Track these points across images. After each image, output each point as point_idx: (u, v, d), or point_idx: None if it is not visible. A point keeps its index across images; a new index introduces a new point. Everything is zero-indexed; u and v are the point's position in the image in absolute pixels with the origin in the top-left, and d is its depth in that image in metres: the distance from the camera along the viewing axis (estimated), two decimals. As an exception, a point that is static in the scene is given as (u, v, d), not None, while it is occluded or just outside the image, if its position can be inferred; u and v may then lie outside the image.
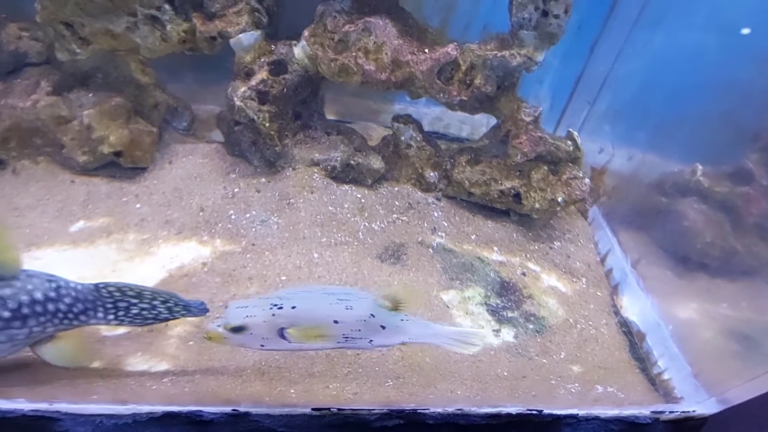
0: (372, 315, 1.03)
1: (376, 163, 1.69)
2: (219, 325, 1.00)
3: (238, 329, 0.99)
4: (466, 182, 1.63)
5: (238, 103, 1.54)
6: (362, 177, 1.71)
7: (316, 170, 1.68)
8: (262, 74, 1.57)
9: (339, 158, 1.68)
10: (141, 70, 1.76)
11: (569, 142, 1.59)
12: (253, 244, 1.40)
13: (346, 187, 1.68)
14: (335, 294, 1.05)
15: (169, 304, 1.05)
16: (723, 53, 1.84)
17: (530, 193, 1.56)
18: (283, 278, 1.28)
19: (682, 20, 1.89)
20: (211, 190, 1.60)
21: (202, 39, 1.56)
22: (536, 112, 1.53)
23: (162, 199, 1.56)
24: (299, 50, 1.61)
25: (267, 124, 1.59)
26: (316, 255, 1.37)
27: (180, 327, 1.16)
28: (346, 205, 1.59)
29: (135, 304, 1.03)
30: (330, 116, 1.99)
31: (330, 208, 1.56)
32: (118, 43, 1.52)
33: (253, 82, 1.55)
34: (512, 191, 1.59)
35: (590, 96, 1.98)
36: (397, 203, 1.67)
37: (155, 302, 1.04)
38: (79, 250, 1.34)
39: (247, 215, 1.51)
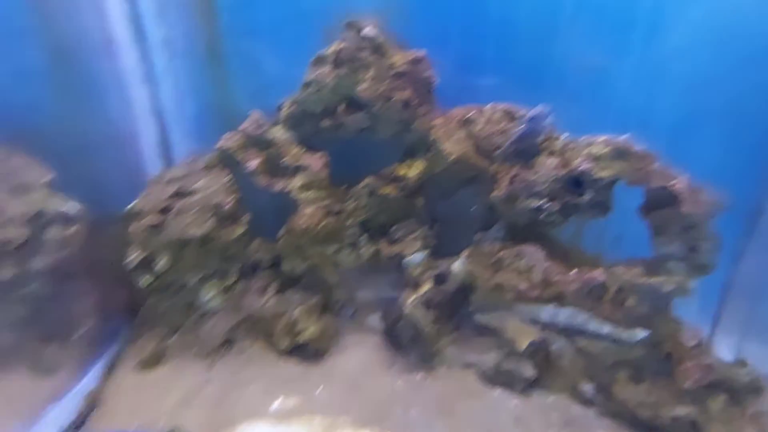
0: None
1: (528, 371, 1.78)
2: None
3: None
4: (630, 402, 1.59)
5: (407, 309, 1.88)
6: (513, 382, 1.80)
7: (470, 372, 1.84)
8: (428, 285, 1.94)
9: (491, 363, 1.83)
10: (331, 272, 2.30)
11: (743, 371, 1.52)
12: (419, 448, 1.52)
13: (498, 391, 1.77)
14: None
15: None
16: None
17: (710, 424, 1.45)
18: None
19: None
20: (378, 383, 1.84)
21: (383, 258, 2.05)
22: (698, 336, 1.55)
23: (339, 386, 1.83)
24: (458, 266, 1.98)
25: (428, 328, 1.87)
26: (479, 473, 1.41)
27: None
28: (502, 416, 1.66)
29: None
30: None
31: (487, 417, 1.64)
32: (326, 260, 2.08)
33: (421, 292, 1.92)
34: (687, 418, 1.50)
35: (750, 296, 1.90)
36: (553, 416, 1.67)
37: None
38: (280, 428, 1.61)
39: (410, 414, 1.67)
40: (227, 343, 1.99)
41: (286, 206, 2.11)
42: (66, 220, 1.68)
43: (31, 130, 1.66)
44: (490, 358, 1.84)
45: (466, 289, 2.01)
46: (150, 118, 2.27)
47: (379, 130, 2.05)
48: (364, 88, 1.90)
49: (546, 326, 1.97)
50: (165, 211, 1.81)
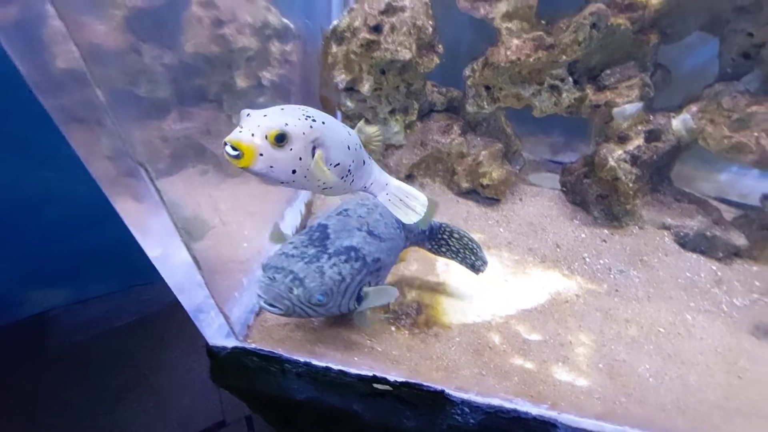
0: (361, 146, 0.97)
1: (738, 239, 1.68)
2: (253, 134, 0.75)
3: (281, 138, 0.77)
4: None
5: (611, 162, 1.77)
6: (713, 250, 1.72)
7: (666, 234, 1.78)
8: (638, 141, 1.77)
9: (695, 227, 1.74)
10: (505, 122, 2.19)
11: None
12: (617, 290, 1.59)
13: (695, 256, 1.72)
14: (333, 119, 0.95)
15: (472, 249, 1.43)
16: None
17: None
18: (661, 330, 1.42)
19: None
20: (561, 231, 1.87)
21: (586, 106, 1.86)
22: None
23: (519, 229, 1.90)
24: (678, 122, 1.74)
25: (630, 185, 1.77)
26: (689, 317, 1.46)
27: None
28: (702, 275, 1.63)
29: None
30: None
31: (687, 273, 1.63)
32: (518, 104, 1.94)
33: (629, 147, 1.76)
34: None
35: None
36: (757, 283, 1.62)
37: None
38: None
39: (601, 261, 1.72)
40: (409, 177, 2.10)
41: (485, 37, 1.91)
42: (286, 34, 1.67)
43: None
44: (693, 223, 1.74)
45: (676, 150, 1.82)
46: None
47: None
48: None
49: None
50: (377, 29, 1.72)
